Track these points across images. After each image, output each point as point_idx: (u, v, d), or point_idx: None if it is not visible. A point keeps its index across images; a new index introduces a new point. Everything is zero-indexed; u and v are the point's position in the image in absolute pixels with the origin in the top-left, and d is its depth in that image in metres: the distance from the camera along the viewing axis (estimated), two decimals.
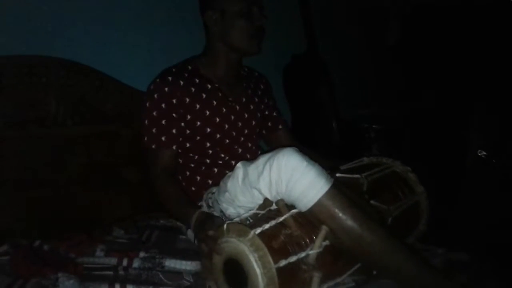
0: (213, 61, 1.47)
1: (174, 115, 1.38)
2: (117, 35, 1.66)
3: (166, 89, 1.37)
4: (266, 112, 1.65)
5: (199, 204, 1.32)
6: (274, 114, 1.69)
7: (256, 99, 1.58)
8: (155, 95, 1.38)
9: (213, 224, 1.02)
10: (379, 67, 3.16)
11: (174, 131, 1.39)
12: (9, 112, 1.36)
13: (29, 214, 1.39)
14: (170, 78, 1.38)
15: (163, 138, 1.37)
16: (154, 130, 1.38)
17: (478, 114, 2.62)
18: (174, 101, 1.37)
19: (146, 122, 1.39)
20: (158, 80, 1.40)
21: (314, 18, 2.32)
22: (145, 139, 1.39)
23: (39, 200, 1.41)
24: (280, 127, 1.69)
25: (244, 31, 1.39)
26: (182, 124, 1.40)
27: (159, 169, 1.37)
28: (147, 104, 1.39)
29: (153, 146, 1.38)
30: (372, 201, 1.16)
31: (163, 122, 1.37)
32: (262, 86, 1.65)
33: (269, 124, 1.68)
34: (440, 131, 2.78)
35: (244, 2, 1.37)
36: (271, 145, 1.70)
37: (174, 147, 1.40)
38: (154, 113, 1.37)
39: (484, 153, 2.50)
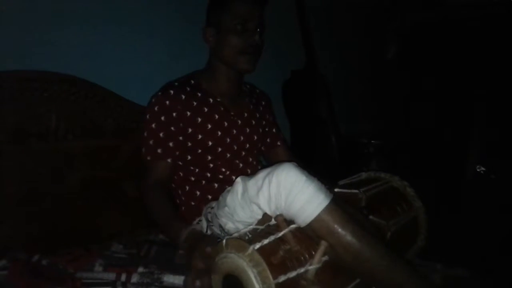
0: (213, 76, 1.49)
1: (172, 128, 1.39)
2: (119, 50, 1.68)
3: (167, 102, 1.39)
4: (266, 128, 1.66)
5: (197, 219, 1.32)
6: (274, 130, 1.70)
7: (258, 115, 1.59)
8: (156, 108, 1.39)
9: (209, 241, 1.01)
10: (378, 83, 3.19)
11: (171, 144, 1.40)
12: (10, 126, 1.36)
13: (28, 228, 1.39)
14: (172, 91, 1.40)
15: (159, 150, 1.39)
16: (151, 142, 1.39)
17: (477, 129, 2.64)
18: (174, 114, 1.39)
19: (145, 134, 1.41)
20: (160, 93, 1.41)
21: (313, 34, 2.35)
22: (143, 150, 1.41)
23: (38, 214, 1.40)
24: (278, 143, 1.70)
25: (234, 47, 1.40)
26: (181, 137, 1.41)
27: (152, 181, 1.37)
28: (148, 117, 1.41)
29: (148, 158, 1.40)
30: (370, 216, 1.16)
31: (161, 134, 1.39)
32: (263, 103, 1.67)
33: (268, 140, 1.69)
34: (439, 146, 2.79)
35: (238, 18, 1.38)
36: (269, 161, 1.71)
37: (169, 160, 1.40)
38: (153, 125, 1.39)
39: (483, 168, 2.51)
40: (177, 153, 1.42)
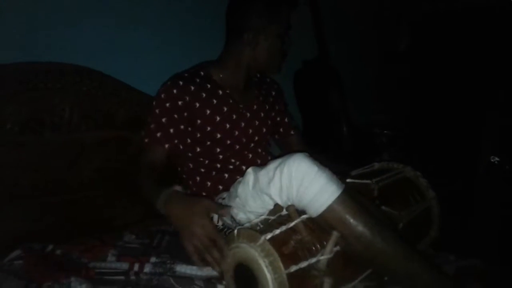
0: (231, 70, 1.49)
1: (175, 115, 1.40)
2: (131, 42, 1.68)
3: (175, 91, 1.39)
4: (278, 118, 1.66)
5: None
6: (286, 120, 1.69)
7: (267, 106, 1.59)
8: (162, 95, 1.41)
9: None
10: (391, 73, 3.16)
11: (171, 130, 1.40)
12: (24, 117, 1.38)
13: (43, 219, 1.40)
14: (181, 82, 1.40)
15: (158, 135, 1.40)
16: (152, 126, 1.41)
17: (491, 120, 2.60)
18: (180, 103, 1.39)
19: (148, 119, 1.43)
20: (169, 82, 1.42)
21: (325, 24, 2.33)
22: (142, 133, 1.44)
23: (52, 205, 1.42)
24: (292, 132, 1.70)
25: (277, 54, 1.48)
26: (182, 126, 1.42)
27: (145, 163, 1.38)
28: (154, 103, 1.43)
29: (146, 140, 1.41)
30: (383, 207, 1.16)
31: (163, 120, 1.40)
32: (273, 92, 1.66)
33: (281, 130, 1.68)
34: (452, 136, 2.76)
35: (286, 27, 1.45)
36: (283, 150, 1.71)
37: (166, 146, 1.40)
38: (157, 111, 1.41)
39: (497, 159, 2.48)
40: (176, 141, 1.43)
